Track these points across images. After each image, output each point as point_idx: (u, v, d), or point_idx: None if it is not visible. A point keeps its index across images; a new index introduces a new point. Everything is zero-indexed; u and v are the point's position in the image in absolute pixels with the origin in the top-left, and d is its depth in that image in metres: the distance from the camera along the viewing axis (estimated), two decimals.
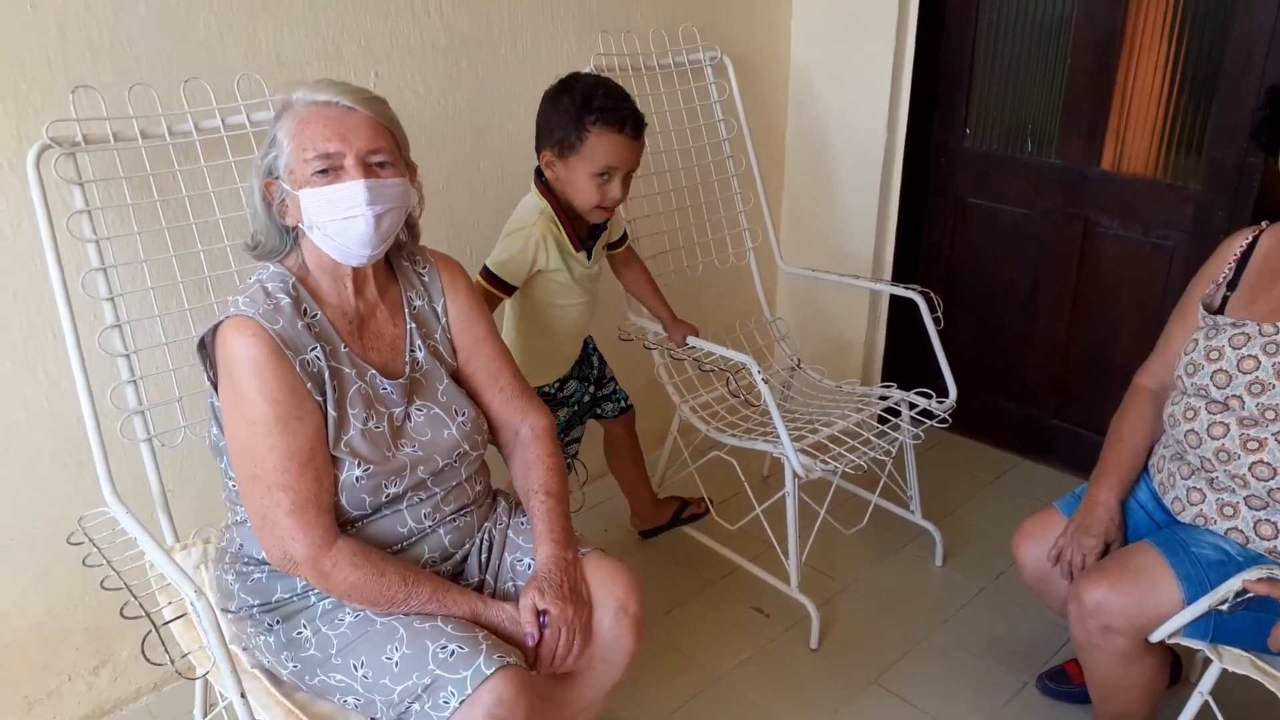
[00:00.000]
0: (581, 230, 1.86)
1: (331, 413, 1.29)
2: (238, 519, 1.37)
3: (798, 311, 3.01)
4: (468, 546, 1.45)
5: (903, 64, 2.61)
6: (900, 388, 2.35)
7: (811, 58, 2.75)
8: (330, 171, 1.27)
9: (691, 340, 2.12)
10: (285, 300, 1.29)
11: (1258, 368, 1.46)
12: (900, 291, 2.35)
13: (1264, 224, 1.62)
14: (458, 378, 1.49)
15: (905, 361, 2.89)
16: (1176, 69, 2.33)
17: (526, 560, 1.44)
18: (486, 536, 1.48)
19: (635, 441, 2.26)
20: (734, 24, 2.61)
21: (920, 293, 2.26)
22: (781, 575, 2.16)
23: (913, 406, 2.25)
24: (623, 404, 2.18)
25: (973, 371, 2.86)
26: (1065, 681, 1.93)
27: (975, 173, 2.72)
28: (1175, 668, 1.92)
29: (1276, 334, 1.46)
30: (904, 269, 2.86)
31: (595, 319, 2.02)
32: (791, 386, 2.51)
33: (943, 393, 2.24)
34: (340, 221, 1.28)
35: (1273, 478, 1.43)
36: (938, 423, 2.18)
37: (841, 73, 2.70)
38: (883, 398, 2.33)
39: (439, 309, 1.46)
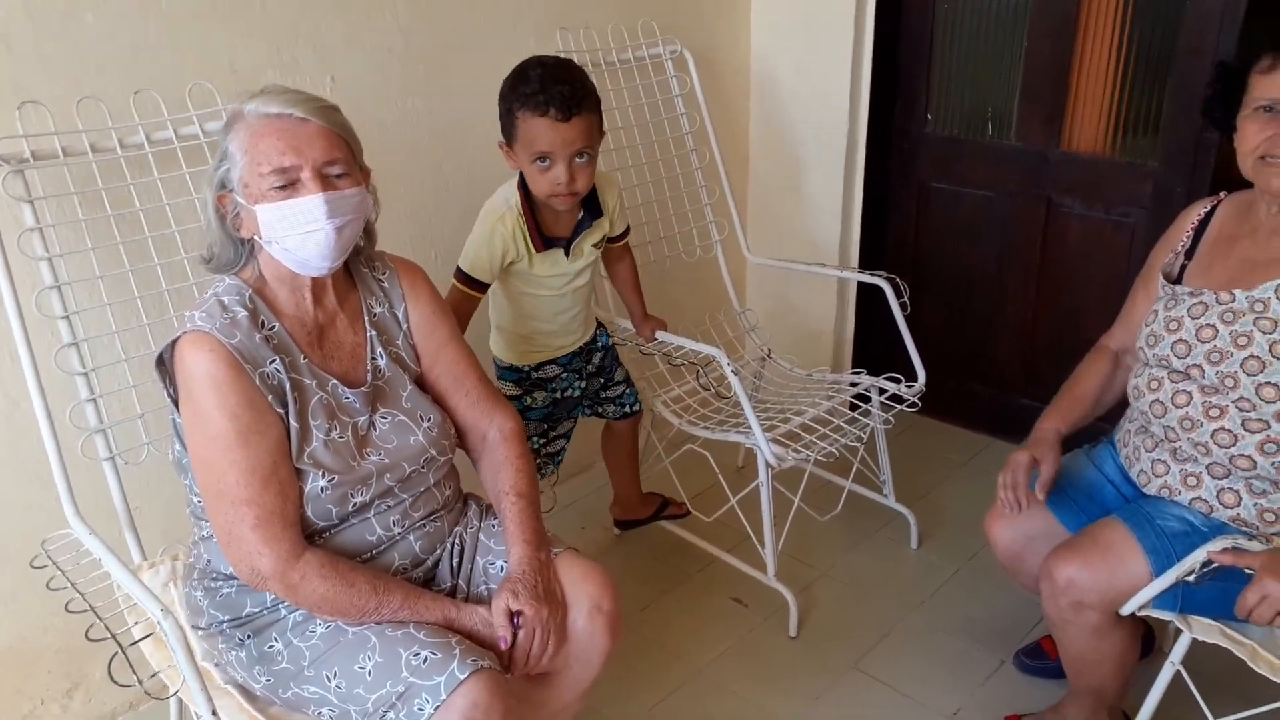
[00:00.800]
0: (561, 226, 1.83)
1: (293, 424, 1.28)
2: (204, 534, 1.36)
3: (768, 301, 3.01)
4: (439, 552, 1.45)
5: (862, 53, 2.62)
6: (870, 373, 2.36)
7: (772, 49, 2.76)
8: (287, 186, 1.26)
9: (660, 335, 2.13)
10: (242, 313, 1.28)
11: (1216, 336, 1.48)
12: (866, 278, 2.36)
13: (1222, 194, 1.64)
14: (422, 383, 1.48)
15: (875, 347, 2.90)
16: (1131, 50, 2.35)
17: (499, 563, 1.44)
18: (457, 541, 1.47)
19: (634, 440, 2.26)
20: (694, 17, 2.61)
21: (886, 279, 2.27)
22: (759, 565, 2.17)
23: (883, 392, 2.27)
24: (627, 409, 2.17)
25: (942, 354, 2.87)
26: (1041, 658, 1.95)
27: (938, 158, 2.74)
28: (1148, 639, 1.94)
29: (1233, 302, 1.47)
30: (871, 256, 2.88)
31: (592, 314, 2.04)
32: (763, 377, 2.52)
33: (912, 377, 2.25)
34: (300, 236, 1.27)
35: (1233, 444, 1.45)
36: (907, 407, 2.20)
37: (802, 63, 2.70)
38: (853, 384, 2.35)
39: (400, 315, 1.45)
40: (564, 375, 2.01)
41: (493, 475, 1.51)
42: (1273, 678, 1.38)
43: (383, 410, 1.39)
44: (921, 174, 2.78)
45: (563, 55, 2.20)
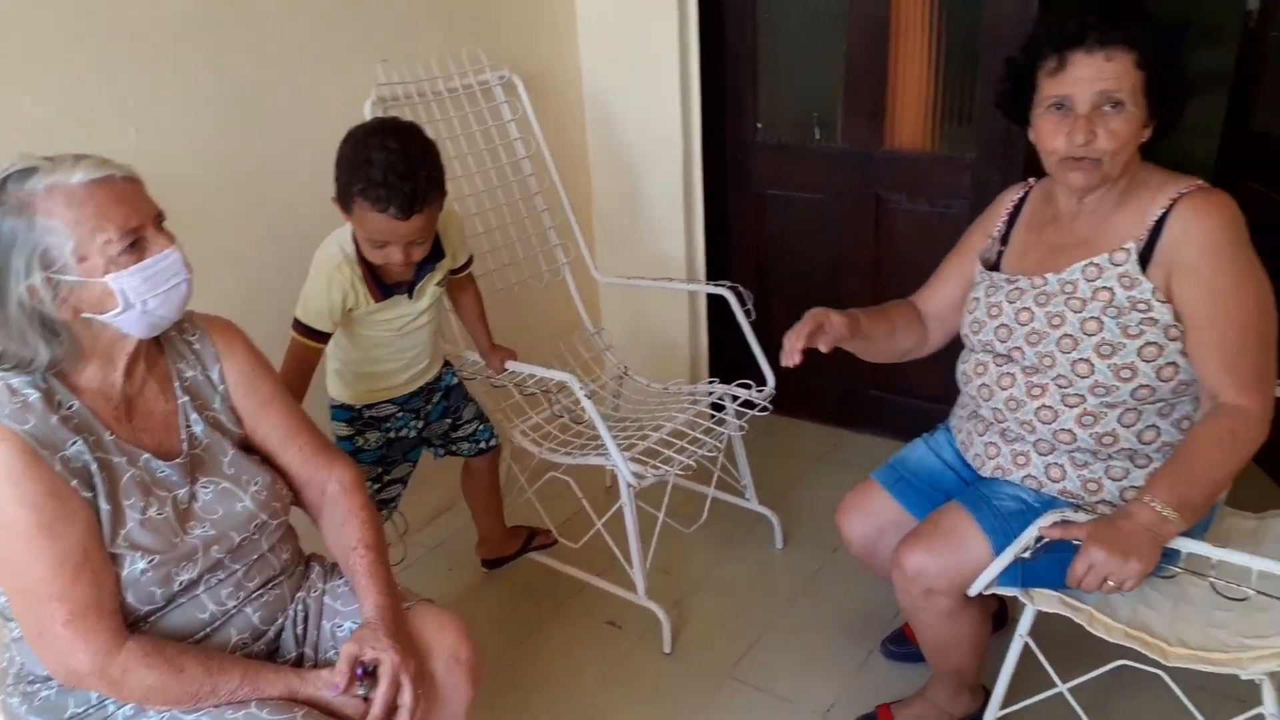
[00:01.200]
0: (399, 276, 1.77)
1: (104, 507, 1.19)
2: (14, 635, 1.26)
3: (623, 319, 3.02)
4: (281, 621, 1.38)
5: (689, 67, 2.66)
6: (726, 381, 2.39)
7: (602, 70, 2.77)
8: (135, 245, 1.18)
9: (511, 364, 2.10)
10: (34, 395, 1.18)
11: (1033, 319, 1.55)
12: (710, 289, 2.39)
13: (1032, 181, 1.72)
14: (247, 445, 1.41)
15: (731, 355, 2.93)
16: (941, 48, 2.47)
17: (347, 625, 1.38)
18: (301, 607, 1.41)
19: (495, 475, 2.21)
20: (520, 43, 2.60)
21: (729, 288, 2.31)
22: (629, 585, 2.16)
23: (735, 399, 2.30)
24: (483, 445, 2.12)
25: None
26: (906, 644, 2.00)
27: (770, 164, 2.80)
28: (1002, 613, 2.03)
29: (1045, 285, 1.55)
30: (717, 265, 2.92)
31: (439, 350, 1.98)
32: (621, 395, 2.52)
33: (763, 382, 2.29)
34: (163, 293, 1.21)
35: (1054, 420, 1.52)
36: (759, 411, 2.23)
37: (632, 82, 2.73)
38: (706, 394, 2.37)
39: (214, 376, 1.38)
40: (400, 415, 1.95)
41: (336, 531, 1.44)
42: (1109, 639, 1.46)
43: (204, 480, 1.32)
44: (757, 181, 2.84)
45: (386, 87, 2.16)
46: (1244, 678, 1.37)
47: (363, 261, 1.72)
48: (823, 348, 1.63)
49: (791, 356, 1.59)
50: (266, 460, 1.43)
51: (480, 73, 2.39)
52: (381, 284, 1.75)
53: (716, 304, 2.90)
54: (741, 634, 2.15)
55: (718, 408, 2.34)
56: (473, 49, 2.38)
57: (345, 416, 1.91)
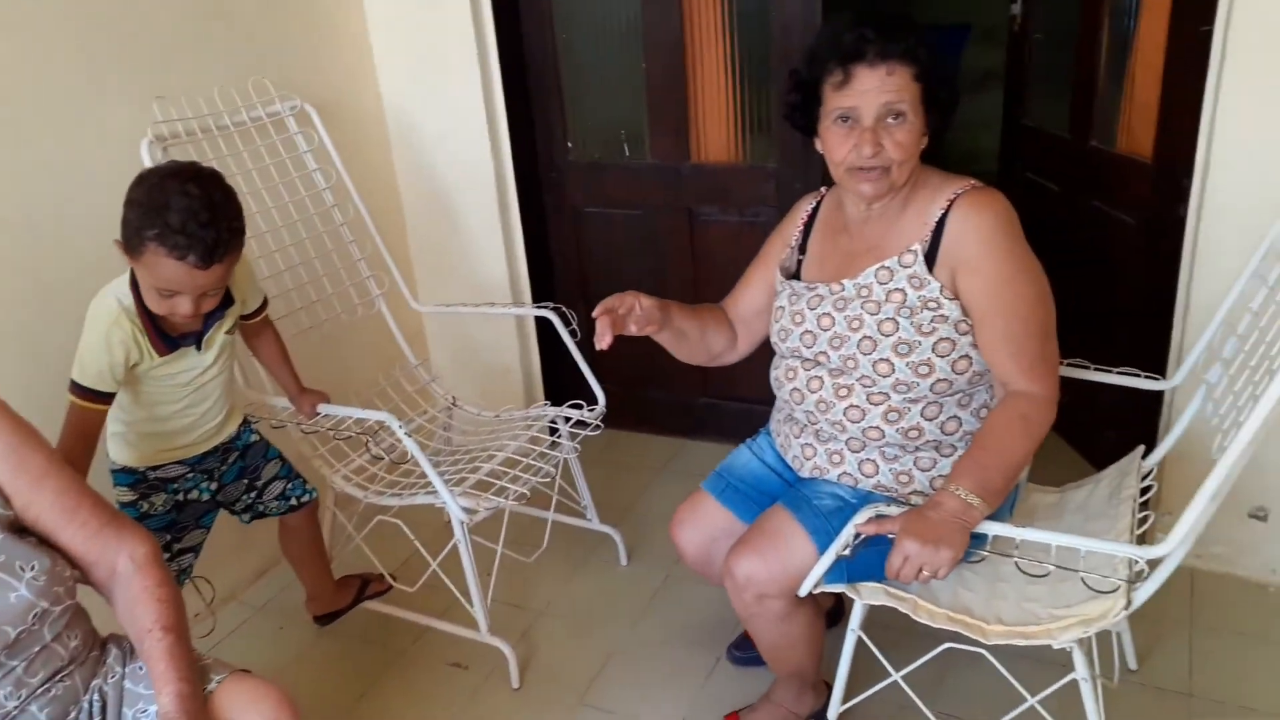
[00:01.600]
0: (185, 326, 1.65)
1: None
2: None
3: (450, 348, 2.96)
4: (74, 714, 1.25)
5: (492, 88, 2.62)
6: (560, 402, 2.36)
7: (402, 95, 2.70)
8: None
9: (323, 408, 2.00)
10: None
11: (834, 324, 1.60)
12: (533, 312, 2.36)
13: (823, 190, 1.77)
14: (19, 526, 1.28)
15: (564, 376, 2.92)
16: (735, 62, 2.53)
17: (151, 710, 1.27)
18: (97, 696, 1.28)
19: (315, 529, 2.09)
20: (311, 72, 2.49)
21: (552, 309, 2.29)
22: (472, 624, 2.10)
23: (567, 420, 2.28)
24: (293, 501, 1.99)
25: (624, 369, 2.93)
26: (749, 648, 2.02)
27: (584, 182, 2.80)
28: (839, 608, 2.09)
29: (843, 290, 1.60)
30: (542, 286, 2.90)
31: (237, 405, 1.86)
32: (452, 427, 2.45)
33: (594, 400, 2.28)
34: None
35: (862, 419, 1.57)
36: (591, 431, 2.21)
37: (435, 105, 2.66)
38: (537, 418, 2.34)
39: None
40: (190, 476, 1.81)
41: (129, 612, 1.32)
42: (933, 624, 1.51)
43: None
44: (573, 200, 2.83)
45: (164, 124, 2.03)
46: (1055, 647, 1.45)
47: (144, 313, 1.60)
48: (632, 329, 1.63)
49: (603, 339, 1.56)
50: (45, 541, 1.30)
51: (269, 104, 2.27)
52: (166, 336, 1.63)
53: (545, 325, 2.88)
54: (590, 658, 2.12)
55: (555, 430, 2.31)
56: (259, 79, 2.27)
57: (128, 480, 1.76)
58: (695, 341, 1.77)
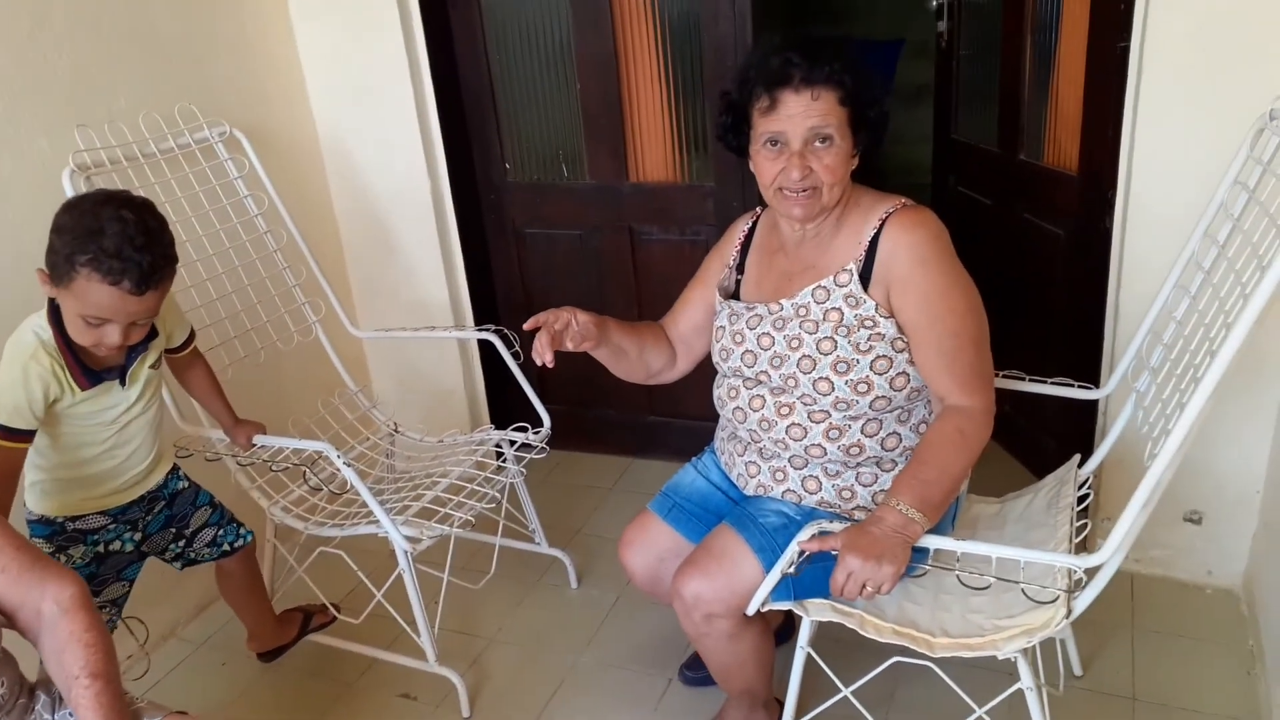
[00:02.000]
0: (108, 360, 1.60)
1: None
2: None
3: (392, 373, 2.92)
4: None
5: (426, 111, 2.60)
6: (505, 425, 2.34)
7: (336, 119, 2.66)
8: None
9: (259, 439, 1.95)
10: None
11: (774, 343, 1.60)
12: (474, 335, 2.34)
13: (759, 210, 1.78)
14: None
15: (506, 398, 2.90)
16: (669, 81, 2.54)
17: None
18: None
19: (252, 571, 2.03)
20: (239, 97, 2.45)
21: (494, 331, 2.27)
22: (420, 654, 2.06)
23: (513, 443, 2.25)
24: (225, 547, 1.92)
25: (570, 389, 2.94)
26: (702, 667, 2.01)
27: (524, 204, 2.79)
28: (789, 624, 2.09)
29: (781, 310, 1.61)
30: (484, 308, 2.87)
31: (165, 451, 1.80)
32: (394, 454, 2.42)
33: (540, 423, 2.26)
34: None
35: (804, 437, 1.58)
36: (536, 453, 2.20)
37: (369, 129, 2.64)
38: (480, 443, 2.31)
39: None
40: (113, 526, 1.73)
41: (57, 657, 1.27)
42: (880, 639, 1.52)
43: None
44: (513, 221, 2.82)
45: (86, 153, 1.98)
46: (1000, 658, 1.46)
47: (65, 346, 1.55)
48: (570, 345, 1.63)
49: (544, 355, 1.55)
50: None
51: (196, 130, 2.22)
52: (88, 370, 1.58)
53: (489, 348, 2.85)
54: (543, 682, 2.10)
55: (501, 453, 2.29)
56: (185, 105, 2.22)
57: (44, 532, 1.67)
58: (634, 359, 1.77)
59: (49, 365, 1.54)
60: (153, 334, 1.67)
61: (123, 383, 1.64)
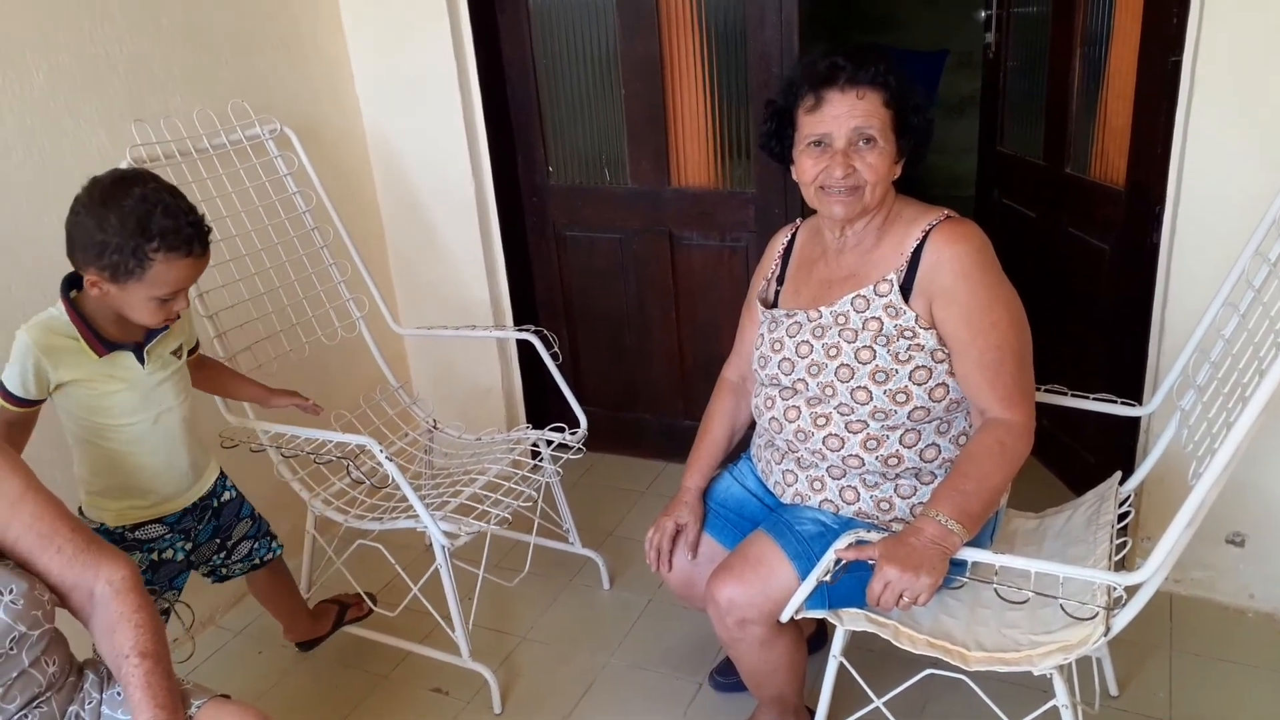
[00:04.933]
0: (128, 331, 1.61)
1: None
2: None
3: (432, 370, 2.95)
4: None
5: (473, 114, 2.64)
6: (540, 425, 2.36)
7: (384, 118, 2.71)
8: None
9: (303, 431, 1.98)
10: None
11: (812, 351, 1.61)
12: (514, 335, 2.36)
13: (799, 221, 1.79)
14: None
15: (545, 398, 2.92)
16: (713, 88, 2.55)
17: None
18: None
19: (281, 575, 2.05)
20: (290, 95, 2.50)
21: (534, 332, 2.29)
22: (454, 649, 2.08)
23: (549, 443, 2.27)
24: (256, 561, 1.95)
25: (607, 391, 2.96)
26: (733, 673, 2.01)
27: (566, 207, 2.81)
28: (821, 634, 2.09)
29: (821, 318, 1.61)
30: (524, 308, 2.90)
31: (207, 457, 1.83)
32: (433, 450, 2.44)
33: (577, 423, 2.28)
34: None
35: (842, 447, 1.58)
36: (573, 454, 2.21)
37: (416, 129, 2.67)
38: (518, 441, 2.33)
39: None
40: (169, 536, 1.76)
41: (108, 637, 1.31)
42: (914, 650, 1.52)
43: None
44: (555, 224, 2.85)
45: (142, 148, 2.03)
46: (1036, 674, 1.46)
47: (77, 319, 1.57)
48: (690, 558, 1.77)
49: (661, 566, 1.77)
50: (23, 565, 1.28)
51: (248, 126, 2.27)
52: (103, 339, 1.59)
53: (527, 347, 2.88)
54: (574, 681, 2.11)
55: (537, 452, 2.31)
56: (237, 102, 2.27)
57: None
58: (731, 446, 1.87)
59: (41, 342, 1.54)
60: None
61: (141, 360, 1.64)
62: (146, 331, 1.65)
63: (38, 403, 1.60)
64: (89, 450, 1.66)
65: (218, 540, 1.88)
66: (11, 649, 1.21)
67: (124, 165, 1.96)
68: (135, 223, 1.47)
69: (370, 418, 2.38)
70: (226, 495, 1.88)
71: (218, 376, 1.96)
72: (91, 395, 1.61)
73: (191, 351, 1.84)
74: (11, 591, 1.23)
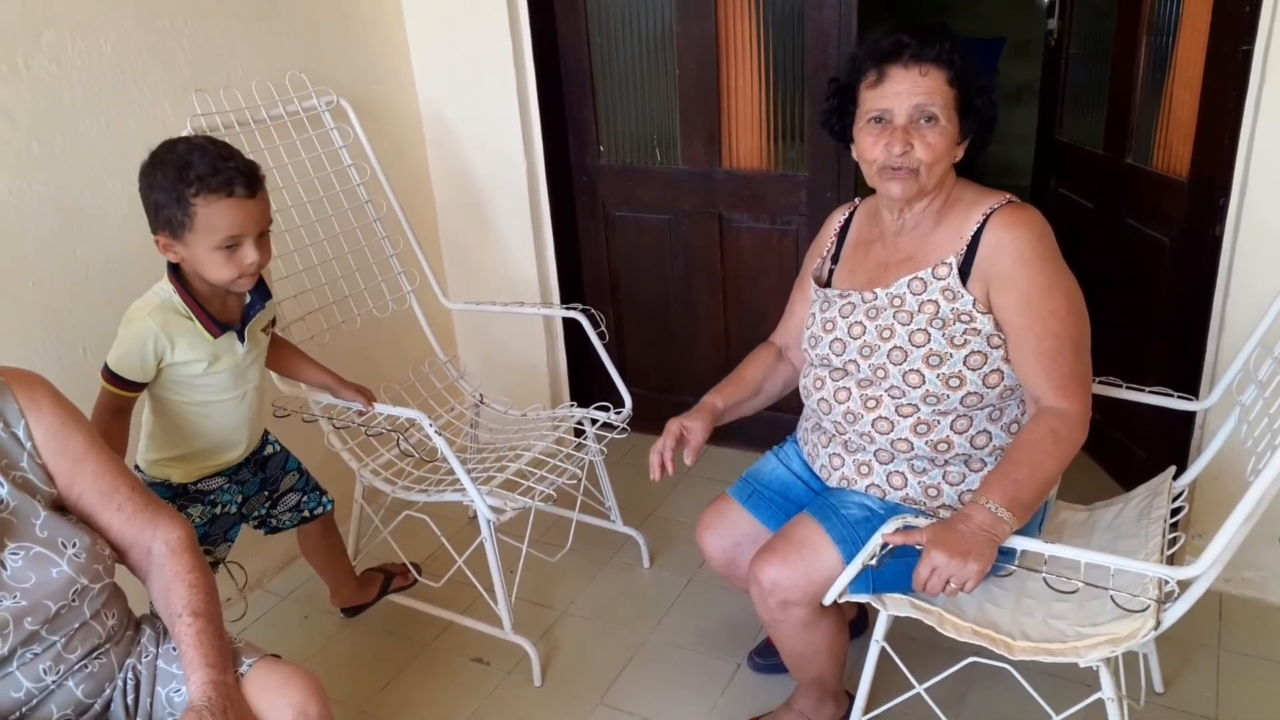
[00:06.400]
0: (230, 311, 1.67)
1: None
2: None
3: (479, 345, 2.97)
4: (109, 691, 1.28)
5: (526, 93, 2.64)
6: (584, 404, 2.37)
7: (438, 93, 2.72)
8: None
9: (355, 404, 2.00)
10: None
11: (865, 332, 1.60)
12: (562, 313, 2.37)
13: (857, 200, 1.78)
14: (61, 505, 1.30)
15: (592, 376, 2.93)
16: (770, 70, 2.53)
17: (184, 690, 1.29)
18: (131, 674, 1.31)
19: (332, 536, 2.09)
20: (347, 67, 2.52)
21: (582, 310, 2.30)
22: (496, 621, 2.11)
23: (594, 422, 2.29)
24: (305, 514, 1.98)
25: (651, 372, 2.97)
26: (772, 654, 2.02)
27: (616, 186, 2.81)
28: (862, 619, 2.08)
29: (876, 299, 1.60)
30: (570, 287, 2.91)
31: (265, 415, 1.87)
32: (479, 424, 2.47)
33: (621, 403, 2.29)
34: None
35: (891, 430, 1.57)
36: (618, 433, 2.22)
37: (470, 105, 2.69)
38: (564, 419, 2.35)
39: (20, 434, 1.27)
40: (227, 487, 1.81)
41: (164, 595, 1.35)
42: (958, 638, 1.51)
43: (12, 546, 1.21)
44: (604, 203, 2.85)
45: (202, 117, 2.06)
46: (1082, 666, 1.44)
47: (190, 300, 1.61)
48: (688, 461, 1.72)
49: (655, 472, 1.72)
50: (85, 520, 1.32)
51: (305, 98, 2.30)
52: (215, 320, 1.64)
53: (573, 326, 2.89)
54: (612, 657, 2.13)
55: (581, 431, 2.33)
56: (295, 74, 2.30)
57: (165, 494, 1.74)
58: (760, 400, 1.84)
59: (161, 324, 1.58)
60: (267, 294, 1.73)
61: (241, 338, 1.69)
62: (244, 310, 1.68)
63: (144, 386, 1.64)
64: (166, 422, 1.70)
65: (265, 492, 1.92)
66: (74, 600, 1.25)
67: (184, 134, 2.01)
68: (175, 172, 1.51)
69: (419, 390, 2.41)
70: (269, 450, 1.92)
71: (289, 357, 1.98)
72: (193, 375, 1.65)
73: (271, 325, 1.87)
74: (75, 545, 1.26)
